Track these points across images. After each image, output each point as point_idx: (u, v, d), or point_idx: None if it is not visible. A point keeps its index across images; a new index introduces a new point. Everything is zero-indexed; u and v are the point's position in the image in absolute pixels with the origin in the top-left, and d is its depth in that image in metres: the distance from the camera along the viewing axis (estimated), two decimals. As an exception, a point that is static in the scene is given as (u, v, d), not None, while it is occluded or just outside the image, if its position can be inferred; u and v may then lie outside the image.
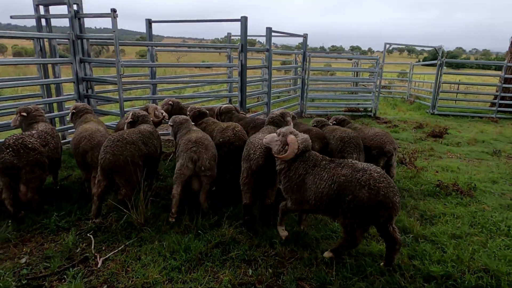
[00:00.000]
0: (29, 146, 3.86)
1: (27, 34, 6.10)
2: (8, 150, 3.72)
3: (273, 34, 9.32)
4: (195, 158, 3.87)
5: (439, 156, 7.40)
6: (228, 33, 11.70)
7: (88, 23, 6.65)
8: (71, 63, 6.55)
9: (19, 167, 3.74)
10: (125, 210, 3.78)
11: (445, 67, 12.51)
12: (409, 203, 4.60)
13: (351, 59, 18.10)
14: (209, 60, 24.02)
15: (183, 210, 4.06)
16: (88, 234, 3.68)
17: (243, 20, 7.84)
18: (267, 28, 9.14)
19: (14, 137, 3.87)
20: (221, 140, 4.61)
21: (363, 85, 16.59)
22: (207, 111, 5.29)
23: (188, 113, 5.17)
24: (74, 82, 6.66)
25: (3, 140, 4.06)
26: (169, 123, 4.72)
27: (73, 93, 6.93)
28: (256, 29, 7.33)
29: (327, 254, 3.32)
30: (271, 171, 3.66)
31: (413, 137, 9.10)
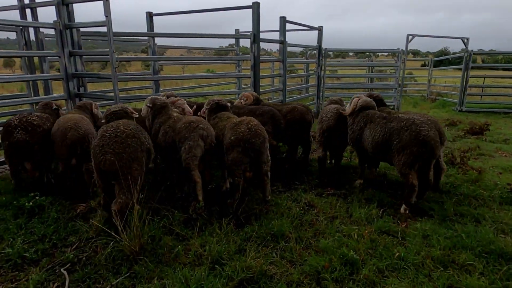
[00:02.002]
0: (34, 123, 3.94)
1: (8, 21, 5.20)
2: (18, 129, 3.81)
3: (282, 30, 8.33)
4: (205, 134, 3.61)
5: (490, 155, 6.28)
6: (236, 30, 10.82)
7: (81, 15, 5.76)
8: (59, 57, 5.63)
9: (32, 144, 3.86)
10: (112, 233, 2.77)
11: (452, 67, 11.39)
12: (487, 215, 3.51)
13: (367, 54, 16.95)
14: (214, 69, 23.15)
15: (188, 226, 3.04)
16: (62, 270, 2.66)
17: (255, 7, 6.89)
18: (280, 17, 8.18)
19: (18, 117, 3.94)
20: (232, 138, 3.61)
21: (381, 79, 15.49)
22: (228, 104, 4.33)
23: (206, 106, 4.27)
24: (63, 79, 5.73)
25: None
26: (147, 105, 4.19)
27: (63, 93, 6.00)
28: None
29: (402, 209, 3.70)
30: (342, 133, 4.52)
31: (450, 135, 8.00)
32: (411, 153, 3.50)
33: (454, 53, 10.90)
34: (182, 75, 9.23)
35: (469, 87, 12.12)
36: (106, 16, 5.19)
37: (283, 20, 8.15)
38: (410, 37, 11.18)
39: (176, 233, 3.14)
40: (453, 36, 11.97)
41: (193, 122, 3.72)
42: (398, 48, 11.33)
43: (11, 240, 3.02)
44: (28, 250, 2.88)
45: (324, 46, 10.23)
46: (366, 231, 3.06)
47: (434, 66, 15.27)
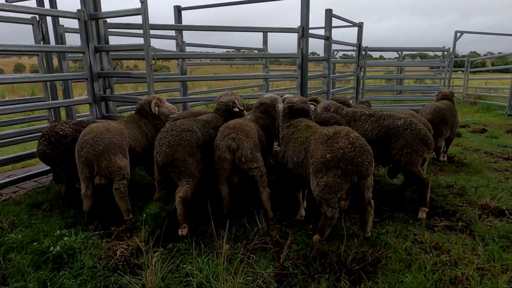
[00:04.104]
0: (60, 133, 3.50)
1: (25, 8, 4.28)
2: (41, 140, 3.48)
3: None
4: (234, 146, 3.06)
5: None
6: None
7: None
8: (83, 53, 4.71)
9: (52, 157, 3.47)
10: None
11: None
12: None
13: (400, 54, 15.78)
14: (221, 73, 22.23)
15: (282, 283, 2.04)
16: None
17: (305, -4, 5.93)
18: (326, 10, 7.24)
19: (50, 126, 3.61)
20: (328, 156, 2.63)
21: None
22: (309, 108, 3.35)
23: (279, 107, 3.39)
24: (87, 80, 4.81)
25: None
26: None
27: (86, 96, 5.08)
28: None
29: (423, 214, 3.36)
30: None
31: (523, 143, 6.93)
32: (417, 150, 3.46)
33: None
34: (217, 75, 8.30)
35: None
36: (142, 2, 4.29)
37: (329, 14, 7.19)
38: (458, 34, 10.17)
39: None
40: (508, 33, 10.91)
41: (228, 128, 3.17)
42: (444, 47, 10.32)
43: (32, 309, 2.06)
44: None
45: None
46: None
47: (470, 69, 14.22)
